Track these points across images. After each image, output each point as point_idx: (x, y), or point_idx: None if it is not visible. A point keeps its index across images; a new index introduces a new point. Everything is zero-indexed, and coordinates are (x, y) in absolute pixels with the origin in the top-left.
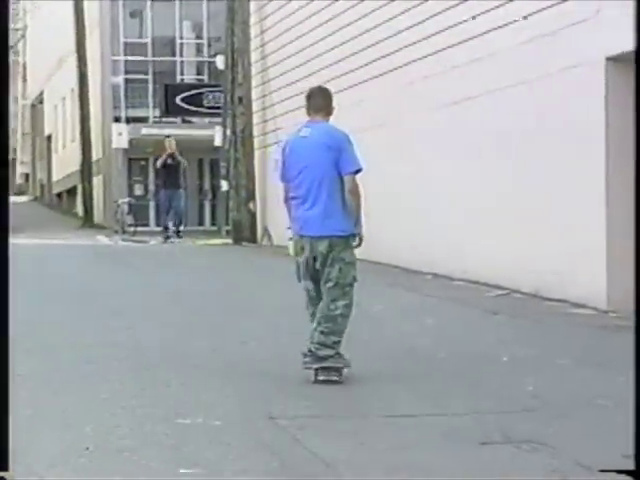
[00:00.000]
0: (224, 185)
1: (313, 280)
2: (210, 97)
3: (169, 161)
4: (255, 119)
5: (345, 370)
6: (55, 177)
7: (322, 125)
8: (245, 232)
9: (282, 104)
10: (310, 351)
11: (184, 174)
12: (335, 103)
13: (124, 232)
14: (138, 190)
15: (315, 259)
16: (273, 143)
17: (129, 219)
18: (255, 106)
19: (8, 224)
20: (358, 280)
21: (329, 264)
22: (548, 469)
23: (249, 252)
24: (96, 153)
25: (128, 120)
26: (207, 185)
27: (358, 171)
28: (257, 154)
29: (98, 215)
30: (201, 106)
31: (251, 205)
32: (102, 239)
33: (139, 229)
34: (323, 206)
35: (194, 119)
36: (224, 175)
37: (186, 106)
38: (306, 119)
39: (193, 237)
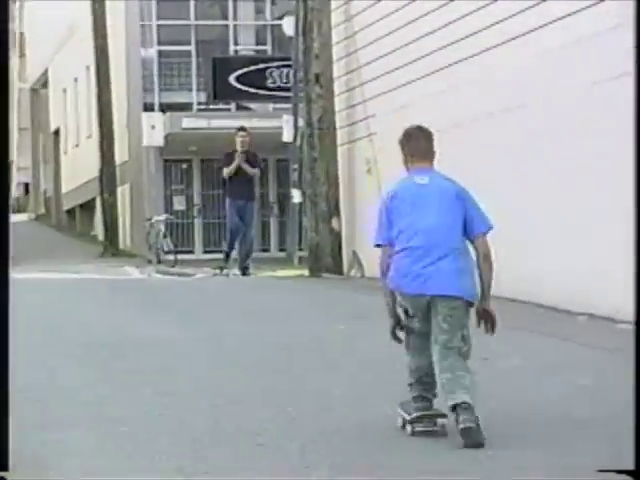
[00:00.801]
0: (296, 195)
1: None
2: (275, 75)
3: (240, 162)
4: (337, 104)
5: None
6: (65, 188)
7: (437, 174)
8: (326, 259)
9: (375, 83)
10: (460, 404)
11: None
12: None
13: (160, 262)
14: (178, 204)
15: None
16: (363, 137)
17: (167, 244)
18: (337, 86)
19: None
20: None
21: (448, 329)
22: None
23: (332, 287)
24: (120, 154)
25: (163, 108)
26: (272, 196)
27: (489, 230)
28: (341, 152)
29: (124, 239)
30: (263, 87)
31: (334, 222)
32: (131, 271)
33: (181, 257)
34: (456, 261)
35: (253, 105)
36: (296, 182)
37: (242, 87)
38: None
39: (255, 267)
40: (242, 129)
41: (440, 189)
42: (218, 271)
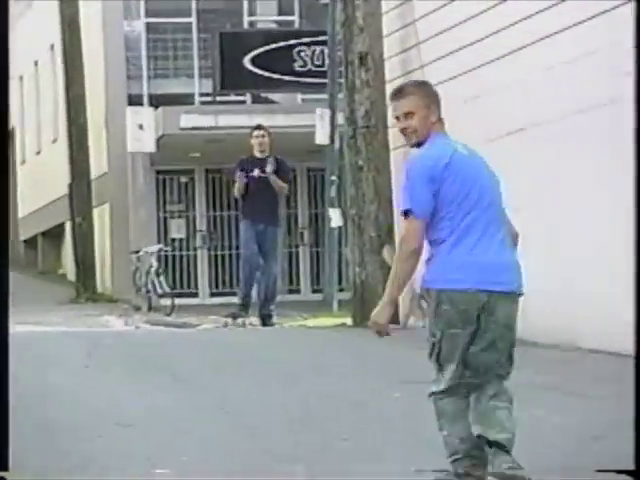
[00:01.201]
0: (334, 217)
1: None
2: (305, 55)
3: (258, 173)
4: (390, 93)
5: None
6: (23, 210)
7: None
8: (375, 303)
9: (441, 64)
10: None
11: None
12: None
13: (151, 308)
14: (176, 230)
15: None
16: None
17: (160, 284)
18: (389, 70)
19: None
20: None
21: (509, 337)
22: None
23: (385, 341)
24: (97, 164)
25: (155, 102)
26: (303, 218)
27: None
28: (394, 158)
29: (103, 278)
30: (288, 72)
31: (386, 253)
32: (112, 322)
33: (179, 302)
34: (513, 250)
35: (275, 97)
36: (334, 199)
37: (261, 72)
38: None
39: (281, 314)
40: (259, 127)
41: (485, 165)
42: (230, 320)
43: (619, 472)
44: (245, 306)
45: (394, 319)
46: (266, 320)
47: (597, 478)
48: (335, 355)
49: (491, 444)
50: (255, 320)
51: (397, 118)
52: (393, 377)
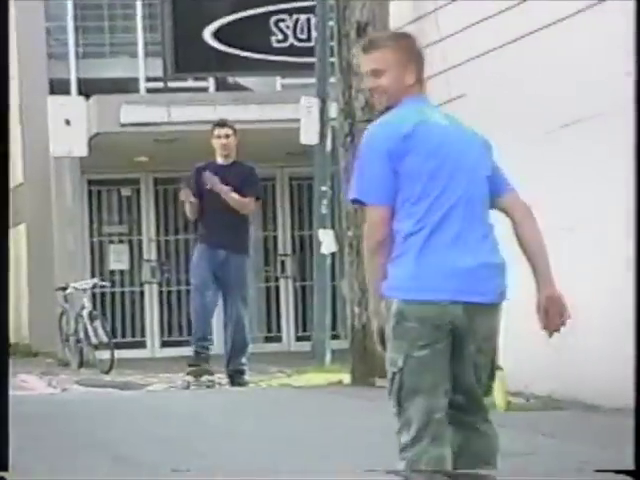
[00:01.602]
0: (326, 240)
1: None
2: (285, 27)
3: (216, 187)
4: None
5: None
6: None
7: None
8: (380, 354)
9: (465, 37)
10: None
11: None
12: None
13: (83, 364)
14: (116, 260)
15: (466, 343)
16: None
17: (96, 331)
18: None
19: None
20: None
21: (490, 350)
22: None
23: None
24: (12, 172)
25: (85, 88)
26: (284, 241)
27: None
28: None
29: (18, 324)
30: (263, 49)
31: None
32: (31, 383)
33: (121, 355)
34: (497, 248)
35: (247, 81)
36: (325, 216)
37: (227, 50)
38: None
39: (256, 370)
40: (222, 124)
41: (470, 137)
42: (192, 378)
43: (618, 472)
44: (203, 355)
45: None
46: (236, 378)
47: (597, 478)
48: (330, 428)
49: None
50: (222, 378)
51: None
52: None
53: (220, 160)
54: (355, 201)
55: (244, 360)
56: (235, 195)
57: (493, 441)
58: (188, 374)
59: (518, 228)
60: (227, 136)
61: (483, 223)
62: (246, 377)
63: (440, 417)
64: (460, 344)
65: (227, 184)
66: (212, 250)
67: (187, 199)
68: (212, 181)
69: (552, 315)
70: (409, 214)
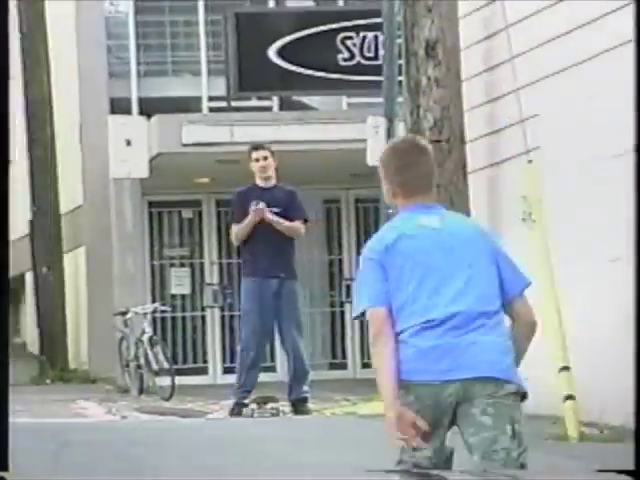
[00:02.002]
0: None
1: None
2: (352, 45)
3: (265, 215)
4: (468, 96)
5: None
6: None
7: (452, 213)
8: None
9: (539, 53)
10: None
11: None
12: None
13: (143, 391)
14: (178, 284)
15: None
16: (516, 156)
17: (156, 358)
18: (467, 64)
19: None
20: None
21: (493, 426)
22: None
23: None
24: (69, 193)
25: (147, 108)
26: (350, 265)
27: (528, 286)
28: (474, 183)
29: (77, 350)
30: (330, 68)
31: None
32: (89, 410)
33: (182, 381)
34: (495, 333)
35: (312, 100)
36: None
37: (291, 67)
38: None
39: (319, 396)
40: (258, 147)
41: (462, 236)
42: (256, 406)
43: (619, 472)
44: (242, 394)
45: None
46: (299, 406)
47: (597, 478)
48: (395, 459)
49: None
50: (286, 405)
51: None
52: None
53: (261, 183)
54: (356, 318)
55: (306, 388)
56: (286, 222)
57: None
58: (252, 402)
59: (514, 330)
60: (265, 158)
61: (479, 317)
62: (309, 405)
63: None
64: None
65: (269, 207)
66: (264, 280)
67: (241, 225)
68: (261, 213)
69: None
70: (400, 322)
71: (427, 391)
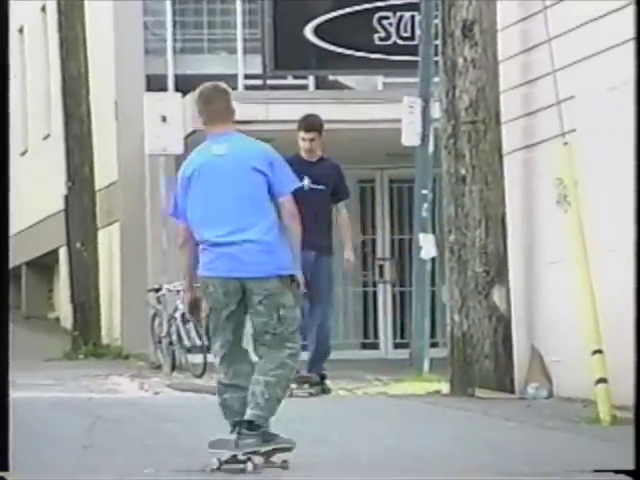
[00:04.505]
0: (426, 245)
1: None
2: (388, 24)
3: (307, 183)
4: (504, 77)
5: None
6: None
7: (239, 138)
8: (482, 363)
9: (576, 36)
10: (252, 422)
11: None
12: None
13: (175, 367)
14: None
15: (239, 305)
16: (552, 138)
17: (189, 334)
18: (504, 44)
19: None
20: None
21: (264, 313)
22: None
23: (497, 419)
24: (104, 170)
25: (182, 85)
26: (383, 245)
27: (295, 190)
28: (509, 165)
29: (110, 326)
30: (367, 47)
31: (497, 296)
32: (122, 386)
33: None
34: (260, 238)
35: (348, 80)
36: (426, 220)
37: (327, 46)
38: None
39: (351, 376)
40: (309, 128)
41: (241, 159)
42: (294, 385)
43: (617, 472)
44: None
45: (508, 385)
46: (318, 386)
47: (596, 478)
48: (426, 439)
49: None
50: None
51: None
52: (509, 466)
53: (306, 157)
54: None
55: (325, 365)
56: (349, 234)
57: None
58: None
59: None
60: (312, 140)
61: (244, 223)
62: (328, 382)
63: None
64: None
65: (316, 182)
66: (304, 253)
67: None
68: (351, 264)
69: None
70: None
71: (215, 282)
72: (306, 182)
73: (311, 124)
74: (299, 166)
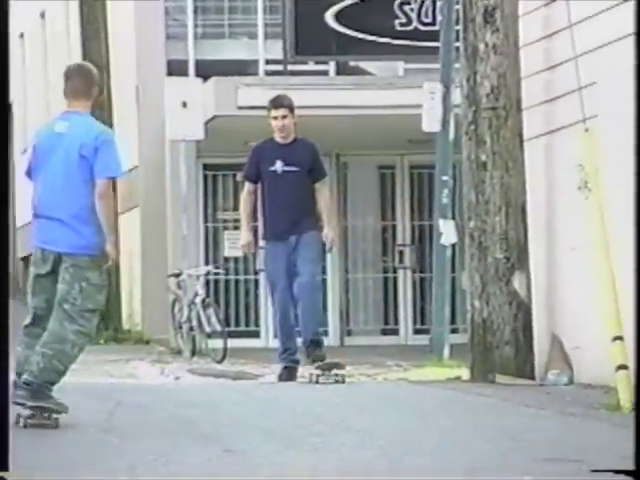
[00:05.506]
0: (447, 231)
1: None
2: (409, 10)
3: (279, 166)
4: (525, 63)
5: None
6: (21, 218)
7: (81, 119)
8: (502, 350)
9: (599, 21)
10: (26, 383)
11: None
12: None
13: (195, 352)
14: (231, 247)
15: (51, 274)
16: (573, 124)
17: (209, 320)
18: (525, 30)
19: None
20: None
21: (68, 282)
22: None
23: (517, 405)
24: (127, 154)
25: (203, 70)
26: (403, 231)
27: (114, 178)
28: (530, 151)
29: (130, 311)
30: (387, 33)
31: (517, 282)
32: (142, 370)
33: (234, 344)
34: (68, 218)
35: (369, 65)
36: (446, 206)
37: (348, 32)
38: None
39: (372, 361)
40: (278, 105)
41: (70, 141)
42: (320, 372)
43: (617, 472)
44: (285, 352)
45: (528, 372)
46: (311, 351)
47: (596, 478)
48: (446, 425)
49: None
50: (351, 372)
51: None
52: (529, 454)
53: (279, 139)
54: None
55: (318, 329)
56: (333, 233)
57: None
58: (317, 368)
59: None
60: (284, 117)
61: (60, 202)
62: (324, 350)
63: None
64: None
65: (289, 164)
66: (282, 243)
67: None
68: (334, 241)
69: None
70: None
71: (36, 249)
72: (278, 165)
73: (279, 101)
74: (270, 150)
